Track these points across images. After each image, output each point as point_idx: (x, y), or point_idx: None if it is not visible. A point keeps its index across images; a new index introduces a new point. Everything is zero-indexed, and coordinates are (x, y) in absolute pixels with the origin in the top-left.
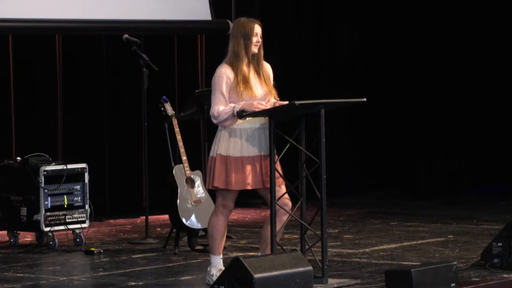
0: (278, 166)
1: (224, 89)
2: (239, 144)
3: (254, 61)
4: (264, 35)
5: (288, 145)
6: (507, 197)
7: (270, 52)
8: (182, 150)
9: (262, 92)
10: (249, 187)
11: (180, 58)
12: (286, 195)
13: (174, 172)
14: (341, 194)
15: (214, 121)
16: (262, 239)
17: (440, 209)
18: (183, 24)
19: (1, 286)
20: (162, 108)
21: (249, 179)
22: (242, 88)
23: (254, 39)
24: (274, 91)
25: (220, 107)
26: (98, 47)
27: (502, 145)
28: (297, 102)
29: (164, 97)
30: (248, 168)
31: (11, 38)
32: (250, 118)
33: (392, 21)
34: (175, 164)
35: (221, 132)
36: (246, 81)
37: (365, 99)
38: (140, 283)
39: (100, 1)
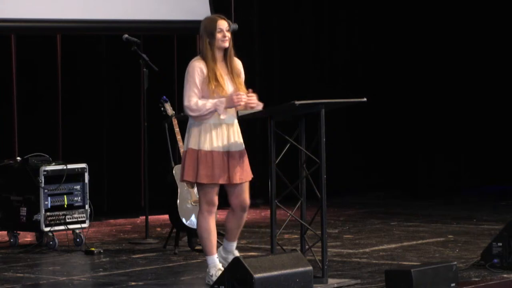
0: (247, 160)
1: (197, 81)
2: (208, 139)
3: (224, 57)
4: (264, 35)
5: (288, 145)
6: (507, 197)
7: (270, 52)
8: (182, 150)
9: (232, 89)
10: (220, 181)
11: (180, 58)
12: (247, 192)
13: (174, 172)
14: (341, 194)
15: (191, 113)
16: (226, 229)
17: (440, 209)
18: (183, 24)
19: (1, 286)
20: (162, 108)
21: (219, 174)
22: (213, 86)
23: (219, 35)
24: (243, 87)
25: (199, 101)
26: (98, 47)
27: (502, 145)
28: (297, 102)
29: (164, 97)
30: (218, 162)
31: (14, 38)
32: (217, 113)
33: (392, 21)
34: (175, 164)
35: (192, 126)
36: (217, 79)
37: (365, 99)
38: (140, 283)
39: (100, 1)
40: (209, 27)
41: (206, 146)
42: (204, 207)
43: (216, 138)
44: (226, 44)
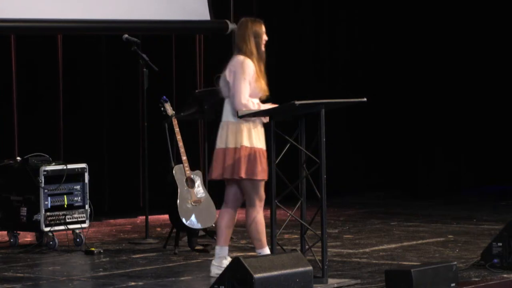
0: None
1: (250, 78)
2: (259, 136)
3: (260, 60)
4: None
5: (288, 145)
6: (507, 197)
7: (270, 52)
8: (182, 150)
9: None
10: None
11: (179, 58)
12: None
13: (174, 172)
14: (341, 194)
15: (244, 110)
16: (219, 232)
17: (440, 209)
18: (182, 24)
19: (1, 286)
20: (162, 108)
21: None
22: (263, 83)
23: (264, 37)
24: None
25: (253, 100)
26: (98, 47)
27: (502, 145)
28: (297, 102)
29: (164, 97)
30: (266, 159)
31: (14, 38)
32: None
33: (392, 21)
34: (175, 164)
35: (239, 123)
36: (263, 77)
37: (365, 99)
38: (140, 283)
39: (100, 1)
40: (258, 29)
41: (259, 144)
42: (258, 203)
43: (262, 136)
44: (263, 49)
